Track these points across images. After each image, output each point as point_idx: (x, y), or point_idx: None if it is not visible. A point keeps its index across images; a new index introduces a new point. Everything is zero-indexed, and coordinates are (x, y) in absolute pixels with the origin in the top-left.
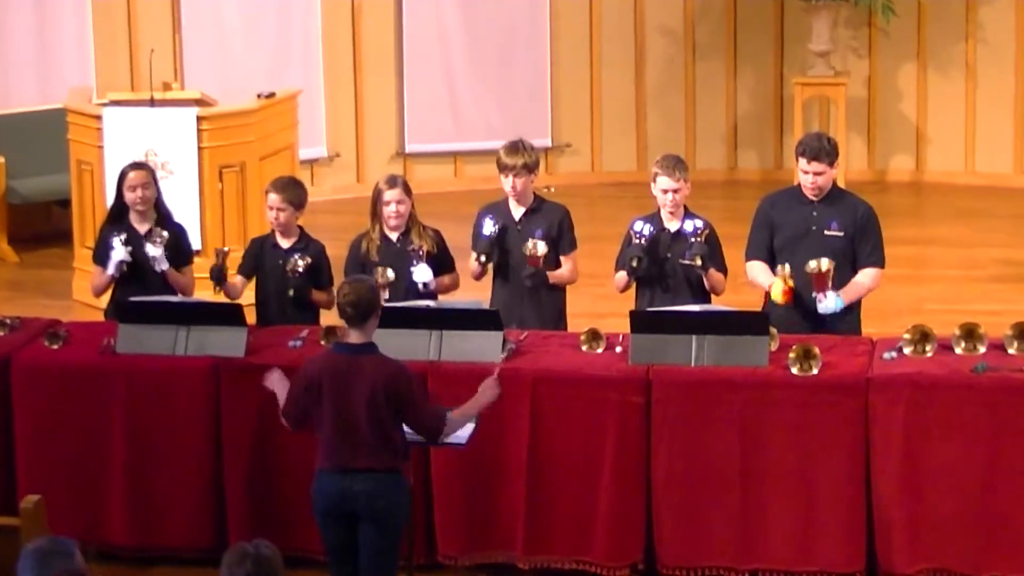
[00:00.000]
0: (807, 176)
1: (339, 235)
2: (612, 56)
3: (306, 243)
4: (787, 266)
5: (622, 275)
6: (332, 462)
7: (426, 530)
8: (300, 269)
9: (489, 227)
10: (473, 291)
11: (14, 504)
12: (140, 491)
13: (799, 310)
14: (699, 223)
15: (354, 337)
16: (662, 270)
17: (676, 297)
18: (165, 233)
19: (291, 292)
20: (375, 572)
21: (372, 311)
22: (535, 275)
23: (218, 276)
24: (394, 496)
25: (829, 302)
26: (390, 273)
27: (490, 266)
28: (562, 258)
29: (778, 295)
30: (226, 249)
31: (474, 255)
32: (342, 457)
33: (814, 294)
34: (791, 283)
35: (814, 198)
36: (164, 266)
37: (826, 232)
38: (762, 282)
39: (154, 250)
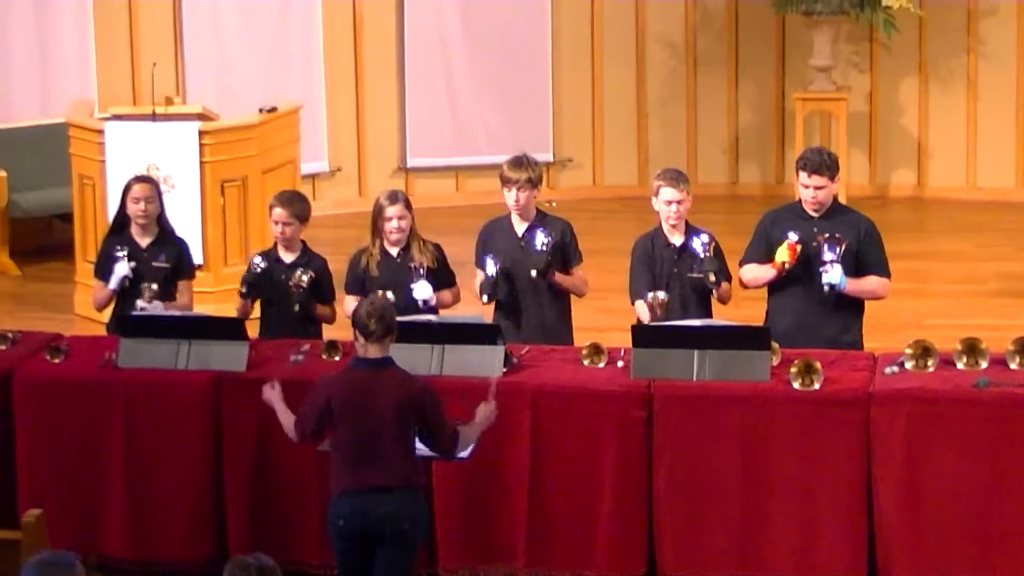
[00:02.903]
0: (808, 191)
1: (340, 249)
2: (613, 69)
3: (308, 258)
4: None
5: (642, 309)
6: (353, 483)
7: (428, 542)
8: (304, 284)
9: (491, 268)
10: (475, 306)
11: (15, 518)
12: (141, 505)
13: (802, 320)
14: (705, 237)
15: (373, 352)
16: (668, 285)
17: (684, 311)
18: (155, 286)
19: (296, 307)
20: None
21: (394, 328)
22: (543, 269)
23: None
24: (417, 515)
25: (835, 273)
26: (390, 295)
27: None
28: (570, 271)
29: (784, 254)
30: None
31: (478, 290)
32: (364, 477)
33: (821, 268)
34: (794, 240)
35: (815, 213)
36: (158, 309)
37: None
38: (760, 274)
39: (144, 303)
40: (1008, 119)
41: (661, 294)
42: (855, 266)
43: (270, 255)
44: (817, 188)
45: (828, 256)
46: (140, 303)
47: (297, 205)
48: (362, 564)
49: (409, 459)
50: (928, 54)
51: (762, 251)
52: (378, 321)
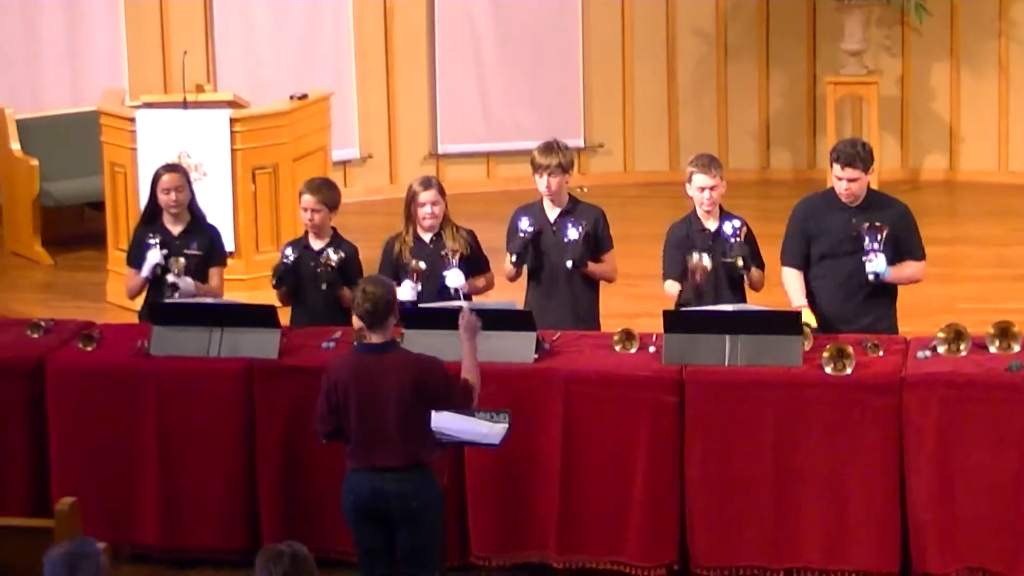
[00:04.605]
0: (842, 183)
1: (372, 236)
2: (644, 56)
3: (338, 244)
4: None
5: (672, 287)
6: (362, 462)
7: (460, 530)
8: (333, 263)
9: (525, 225)
10: (507, 291)
11: (48, 506)
12: (173, 492)
13: (837, 308)
14: (737, 223)
15: (376, 336)
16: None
17: (718, 296)
18: (183, 260)
19: (323, 286)
20: (418, 571)
21: (392, 309)
22: (578, 260)
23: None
24: (426, 493)
25: (879, 263)
26: (422, 264)
27: (524, 267)
28: (601, 258)
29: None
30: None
31: (508, 256)
32: (372, 457)
33: (864, 258)
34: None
35: (850, 204)
36: (188, 288)
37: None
38: (793, 296)
39: (174, 278)
40: None
41: (706, 259)
42: (894, 252)
43: (300, 243)
44: (851, 180)
45: (870, 245)
46: (170, 277)
47: (326, 192)
48: (379, 544)
49: (417, 439)
50: (960, 38)
51: (802, 247)
52: (374, 304)
